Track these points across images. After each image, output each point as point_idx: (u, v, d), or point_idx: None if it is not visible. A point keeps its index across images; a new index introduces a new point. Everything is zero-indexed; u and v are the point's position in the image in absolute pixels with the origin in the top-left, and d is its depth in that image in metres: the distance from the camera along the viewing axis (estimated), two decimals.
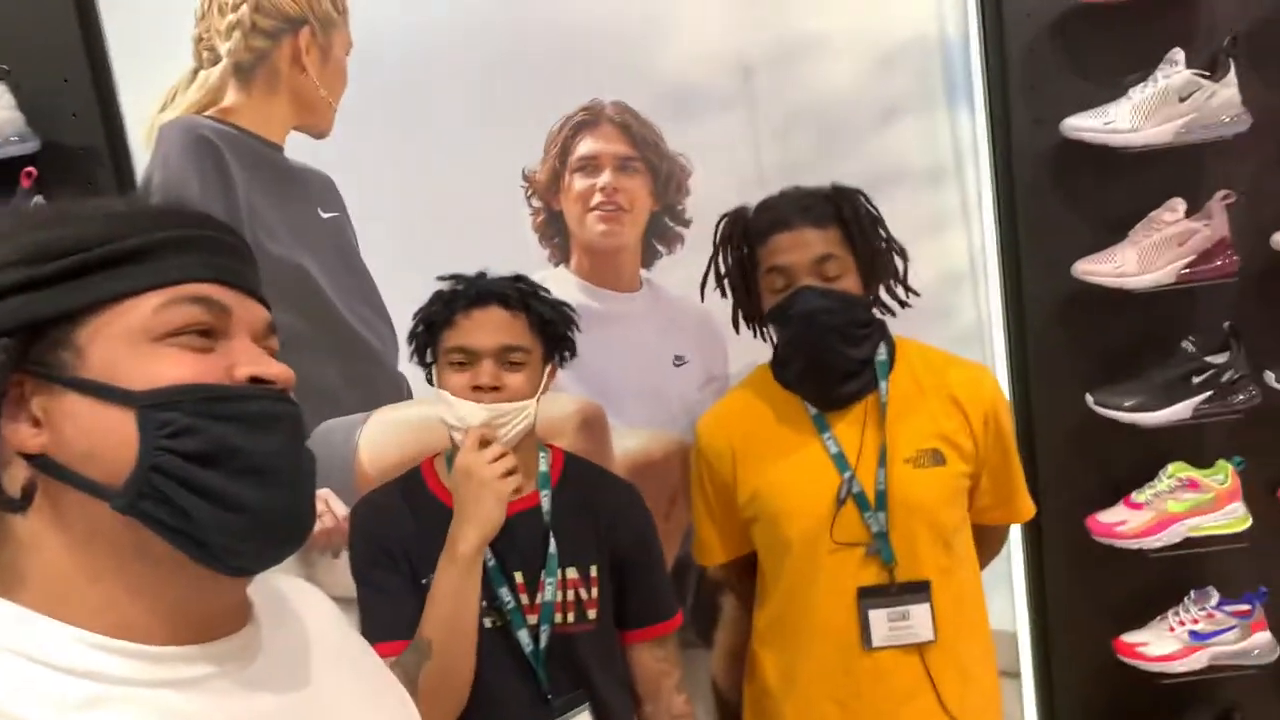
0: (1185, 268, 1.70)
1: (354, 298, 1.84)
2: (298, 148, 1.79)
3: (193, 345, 0.63)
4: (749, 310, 1.47)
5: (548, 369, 1.36)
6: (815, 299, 1.34)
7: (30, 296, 0.60)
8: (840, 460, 1.40)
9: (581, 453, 1.91)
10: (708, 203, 1.85)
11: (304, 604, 0.76)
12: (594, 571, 1.35)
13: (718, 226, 1.47)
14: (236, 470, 0.61)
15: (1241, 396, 1.68)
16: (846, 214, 1.38)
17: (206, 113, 1.74)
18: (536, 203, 1.87)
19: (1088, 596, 1.85)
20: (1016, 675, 1.88)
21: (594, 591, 1.35)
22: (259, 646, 0.67)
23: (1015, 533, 1.87)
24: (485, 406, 1.26)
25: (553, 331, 1.35)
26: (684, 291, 1.88)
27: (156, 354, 0.62)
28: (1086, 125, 1.71)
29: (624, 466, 1.89)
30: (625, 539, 1.39)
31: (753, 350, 1.62)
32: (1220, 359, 1.69)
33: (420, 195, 1.82)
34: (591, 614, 1.34)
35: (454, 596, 1.21)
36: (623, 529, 1.39)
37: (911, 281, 1.50)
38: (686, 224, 1.88)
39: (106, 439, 0.59)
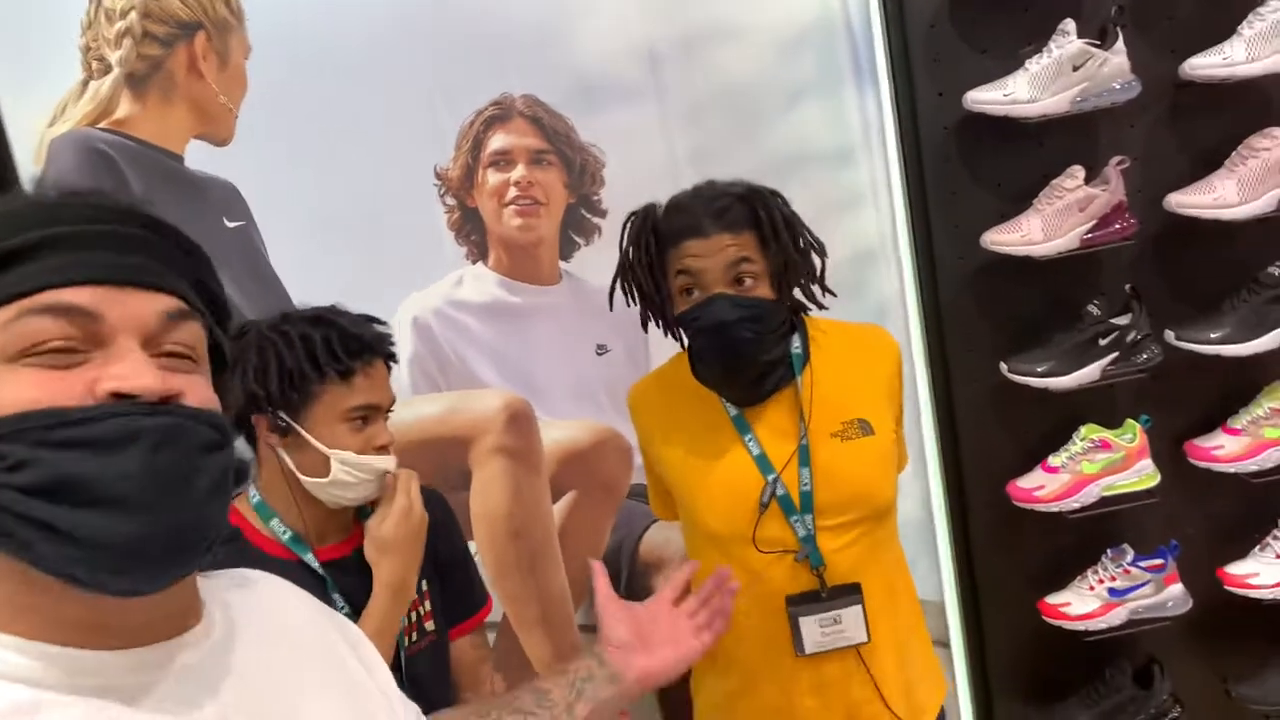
0: (1087, 233, 1.74)
1: (265, 307, 1.81)
2: (198, 157, 1.76)
3: (53, 364, 0.59)
4: (659, 313, 1.40)
5: None
6: (728, 309, 1.27)
7: None
8: (763, 462, 1.34)
9: (510, 448, 1.91)
10: (623, 192, 1.85)
11: (276, 601, 0.75)
12: (425, 586, 1.35)
13: (625, 225, 1.39)
14: (82, 501, 0.57)
15: (1145, 356, 1.73)
16: (761, 217, 1.31)
17: (99, 125, 1.70)
18: (450, 200, 1.86)
19: (1011, 561, 1.89)
20: (946, 644, 1.92)
21: (428, 605, 1.35)
22: (207, 649, 0.65)
23: (938, 502, 1.90)
24: (389, 459, 1.26)
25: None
26: (603, 281, 1.87)
27: (10, 376, 0.58)
28: (988, 98, 1.73)
29: (554, 458, 1.89)
30: (445, 547, 1.39)
31: None
32: (1123, 320, 1.74)
33: (330, 199, 1.80)
34: (430, 626, 1.35)
35: (392, 630, 1.24)
36: (443, 539, 1.39)
37: (825, 261, 1.47)
38: (603, 214, 1.89)
39: None
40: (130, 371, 0.60)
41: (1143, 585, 1.78)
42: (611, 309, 1.38)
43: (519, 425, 1.87)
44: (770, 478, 1.33)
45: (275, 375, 1.19)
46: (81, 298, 0.60)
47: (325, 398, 1.21)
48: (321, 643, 0.76)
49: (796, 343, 1.38)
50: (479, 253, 1.87)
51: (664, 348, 1.80)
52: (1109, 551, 1.81)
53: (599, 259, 1.86)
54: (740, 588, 1.32)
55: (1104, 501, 1.77)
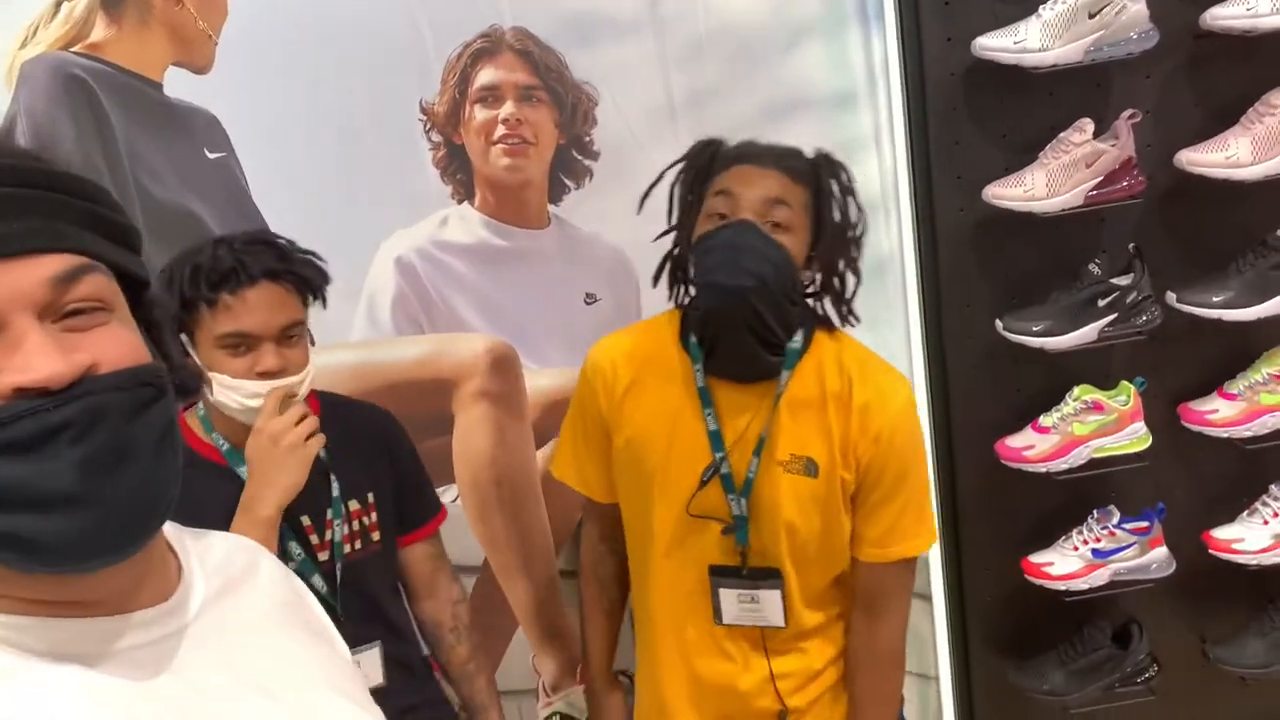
0: (1093, 189, 1.68)
1: None
2: (177, 84, 1.70)
3: None
4: (683, 230, 1.36)
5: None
6: (752, 236, 1.22)
7: None
8: (715, 439, 1.33)
9: (494, 393, 1.89)
10: (616, 134, 1.79)
11: (251, 567, 0.75)
12: (372, 498, 1.41)
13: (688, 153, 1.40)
14: (20, 505, 0.53)
15: (1144, 318, 1.69)
16: (824, 182, 1.29)
17: (73, 48, 1.64)
18: (436, 137, 1.80)
19: (997, 519, 1.88)
20: (928, 597, 1.92)
21: (374, 515, 1.41)
22: (184, 617, 0.65)
23: (928, 457, 1.88)
24: (274, 384, 1.26)
25: (316, 289, 1.35)
26: (594, 227, 1.84)
27: None
28: (997, 45, 1.67)
29: (537, 405, 1.86)
30: (399, 459, 1.47)
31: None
32: (1124, 280, 1.69)
33: (313, 132, 1.74)
34: (375, 536, 1.41)
35: None
36: (395, 451, 1.47)
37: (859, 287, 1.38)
38: (595, 156, 1.82)
39: None
40: (31, 361, 0.54)
41: (1127, 547, 1.78)
42: (639, 212, 1.40)
43: (502, 370, 1.85)
44: (719, 455, 1.33)
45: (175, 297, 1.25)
46: None
47: (201, 323, 1.25)
48: (300, 612, 0.77)
49: (798, 339, 1.33)
50: (465, 192, 1.82)
51: (655, 301, 1.77)
52: (1095, 513, 1.80)
53: (589, 203, 1.81)
54: (667, 554, 1.38)
55: (1093, 463, 1.76)
